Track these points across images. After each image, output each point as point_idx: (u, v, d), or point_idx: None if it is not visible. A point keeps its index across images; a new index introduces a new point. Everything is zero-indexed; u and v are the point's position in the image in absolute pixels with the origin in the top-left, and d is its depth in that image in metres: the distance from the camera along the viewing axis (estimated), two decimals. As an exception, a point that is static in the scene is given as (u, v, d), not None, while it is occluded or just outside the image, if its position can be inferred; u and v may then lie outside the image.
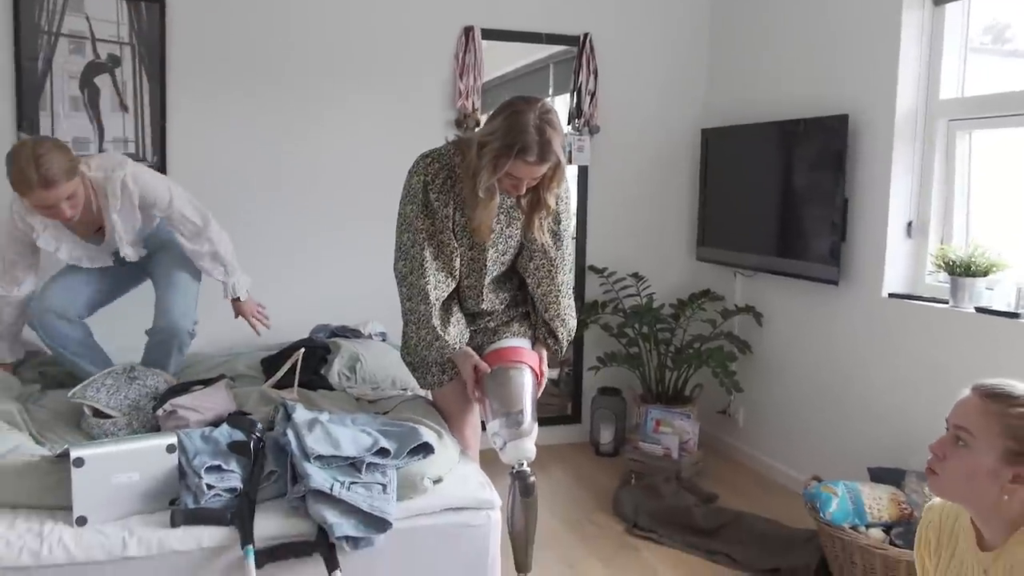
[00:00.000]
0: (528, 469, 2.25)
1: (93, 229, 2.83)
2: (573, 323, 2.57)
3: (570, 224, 2.53)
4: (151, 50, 3.44)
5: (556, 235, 2.46)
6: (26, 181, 2.44)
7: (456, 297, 2.47)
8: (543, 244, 2.43)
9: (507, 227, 2.42)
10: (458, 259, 2.40)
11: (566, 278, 2.52)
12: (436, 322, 2.36)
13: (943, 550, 1.66)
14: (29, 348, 3.05)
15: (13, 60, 3.28)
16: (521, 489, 2.22)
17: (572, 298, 2.57)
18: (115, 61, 3.41)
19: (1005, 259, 2.79)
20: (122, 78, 3.43)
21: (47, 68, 3.33)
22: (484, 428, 2.41)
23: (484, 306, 2.49)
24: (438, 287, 2.37)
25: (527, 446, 2.24)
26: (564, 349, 2.60)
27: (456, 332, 2.41)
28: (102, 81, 3.41)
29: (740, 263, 3.90)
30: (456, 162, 2.33)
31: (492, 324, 2.53)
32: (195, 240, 2.90)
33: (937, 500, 1.71)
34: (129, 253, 2.86)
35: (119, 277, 3.03)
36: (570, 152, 4.00)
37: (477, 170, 2.23)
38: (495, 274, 2.48)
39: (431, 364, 2.47)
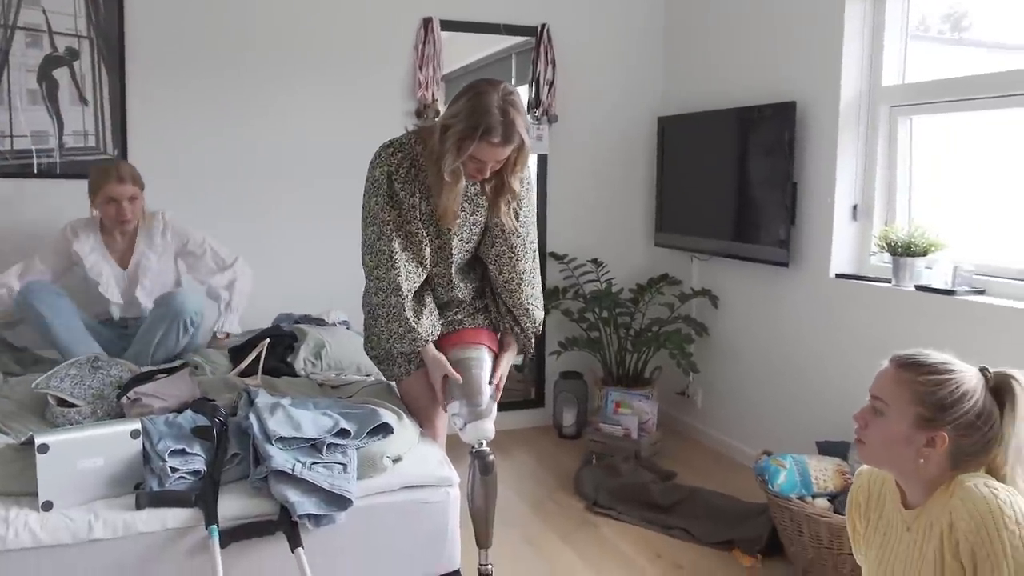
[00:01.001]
0: (487, 448, 2.33)
1: (124, 259, 3.20)
2: (539, 314, 2.56)
3: (532, 212, 2.53)
4: (109, 43, 3.45)
5: (519, 219, 2.46)
6: (105, 174, 3.05)
7: (428, 287, 2.48)
8: (508, 229, 2.42)
9: (471, 215, 2.43)
10: (427, 248, 2.40)
11: (528, 266, 2.51)
12: (409, 314, 2.35)
13: (872, 512, 1.76)
14: None
15: (-31, 54, 3.28)
16: (481, 468, 2.31)
17: (539, 288, 2.55)
18: (73, 54, 3.42)
19: (943, 239, 2.91)
20: (81, 71, 3.43)
21: (3, 61, 3.33)
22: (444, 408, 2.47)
23: (455, 293, 2.50)
24: (409, 278, 2.36)
25: (486, 427, 2.33)
26: (532, 340, 2.60)
27: (428, 324, 2.41)
28: (60, 74, 3.41)
29: (697, 248, 4.00)
30: (419, 151, 2.34)
31: (459, 316, 2.53)
32: (221, 271, 3.29)
33: (865, 467, 1.80)
34: (140, 291, 3.14)
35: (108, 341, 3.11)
36: (529, 141, 4.07)
37: (441, 154, 2.23)
38: (460, 261, 2.49)
39: (396, 356, 2.46)
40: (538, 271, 2.56)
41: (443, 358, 2.40)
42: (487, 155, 2.23)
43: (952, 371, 1.54)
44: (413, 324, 2.36)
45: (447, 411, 2.44)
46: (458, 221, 2.40)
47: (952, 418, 1.51)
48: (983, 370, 1.56)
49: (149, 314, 3.04)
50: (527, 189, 2.50)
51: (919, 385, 1.53)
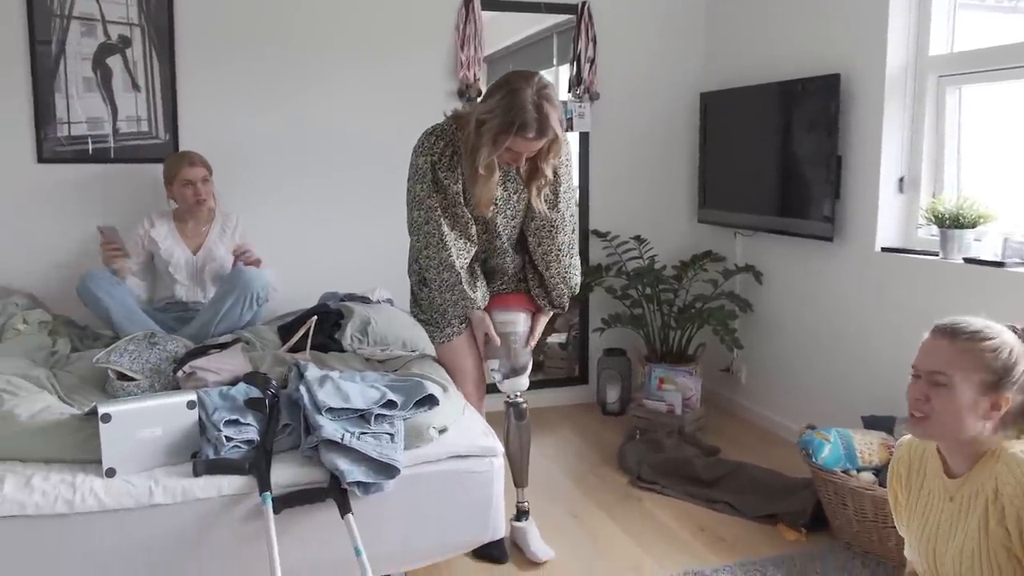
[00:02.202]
0: (521, 399, 2.69)
1: (195, 245, 3.40)
2: (575, 280, 2.69)
3: (570, 188, 2.63)
4: (160, 30, 3.54)
5: (553, 202, 2.56)
6: (179, 160, 3.32)
7: (476, 259, 2.61)
8: (540, 212, 2.54)
9: (514, 194, 2.53)
10: (473, 226, 2.51)
11: (567, 238, 2.62)
12: (465, 287, 2.51)
13: (913, 482, 1.76)
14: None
15: (28, 44, 3.39)
16: (516, 415, 2.68)
17: (576, 257, 2.69)
18: (125, 42, 3.52)
19: (992, 211, 2.86)
20: (133, 58, 3.53)
21: (60, 51, 3.44)
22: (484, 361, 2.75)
23: (498, 260, 2.64)
24: (460, 255, 2.49)
25: (522, 381, 2.67)
26: (567, 306, 2.74)
27: (480, 294, 2.58)
28: (114, 62, 3.52)
29: (740, 224, 3.98)
30: (459, 137, 2.43)
31: (502, 284, 2.70)
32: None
33: (906, 437, 1.80)
34: (208, 273, 3.36)
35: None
36: (571, 119, 4.09)
37: (477, 147, 2.32)
38: (507, 236, 2.61)
39: (451, 318, 2.64)
40: (576, 242, 2.69)
41: (487, 317, 2.62)
42: (521, 147, 2.33)
43: (999, 334, 1.57)
44: (470, 294, 2.52)
45: (487, 366, 2.68)
46: (499, 202, 2.51)
47: (1013, 380, 1.54)
48: (1013, 328, 1.59)
49: (217, 288, 3.20)
50: (566, 166, 2.60)
51: (981, 352, 1.54)
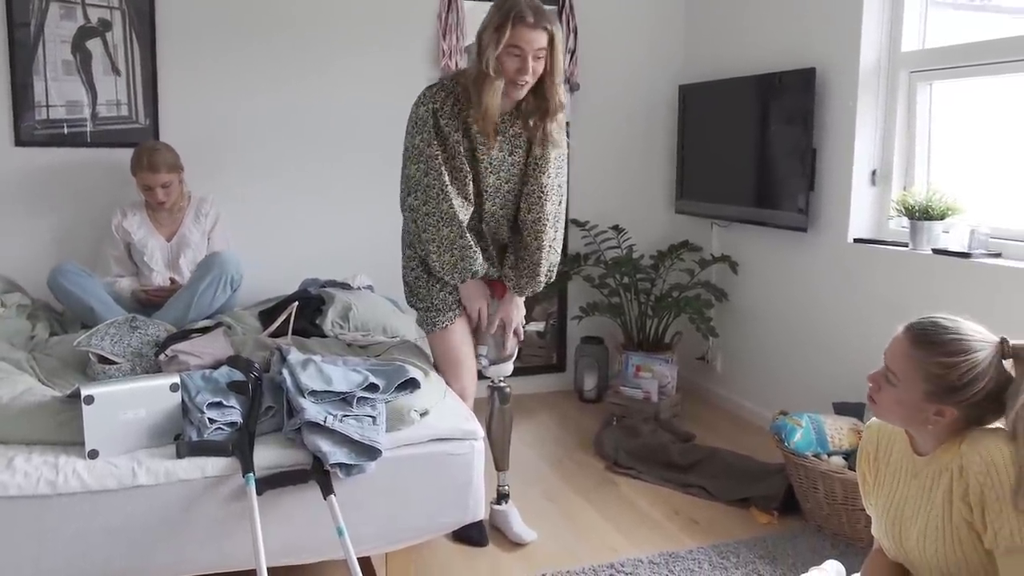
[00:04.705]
0: (505, 383, 2.80)
1: (169, 232, 3.39)
2: (555, 258, 2.67)
3: (563, 158, 2.64)
4: (140, 14, 3.52)
5: (548, 158, 2.56)
6: (139, 162, 3.23)
7: (472, 227, 2.59)
8: (539, 159, 2.54)
9: (509, 155, 2.54)
10: (471, 184, 2.51)
11: (555, 209, 2.62)
12: (467, 241, 2.48)
13: (881, 461, 1.81)
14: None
15: (6, 26, 3.36)
16: (500, 398, 2.79)
17: (560, 232, 2.67)
18: (105, 25, 3.50)
19: (960, 203, 2.94)
20: (113, 41, 3.51)
21: (39, 33, 3.41)
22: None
23: (493, 225, 2.62)
24: (461, 209, 2.48)
25: (507, 368, 2.78)
26: (545, 283, 2.70)
27: (481, 257, 2.56)
28: (93, 45, 3.50)
29: (717, 214, 4.04)
30: (459, 90, 2.46)
31: (492, 270, 2.69)
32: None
33: (875, 420, 1.87)
34: (183, 259, 3.35)
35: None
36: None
37: (482, 51, 2.38)
38: (499, 202, 2.59)
39: (449, 306, 2.62)
40: (563, 215, 2.68)
41: (485, 289, 2.65)
42: (523, 38, 2.35)
43: (966, 351, 1.53)
44: (473, 249, 2.49)
45: (477, 351, 2.71)
46: (494, 162, 2.52)
47: (960, 399, 1.55)
48: (1003, 342, 1.56)
49: (193, 272, 3.20)
50: (560, 134, 2.61)
51: (930, 366, 1.54)
